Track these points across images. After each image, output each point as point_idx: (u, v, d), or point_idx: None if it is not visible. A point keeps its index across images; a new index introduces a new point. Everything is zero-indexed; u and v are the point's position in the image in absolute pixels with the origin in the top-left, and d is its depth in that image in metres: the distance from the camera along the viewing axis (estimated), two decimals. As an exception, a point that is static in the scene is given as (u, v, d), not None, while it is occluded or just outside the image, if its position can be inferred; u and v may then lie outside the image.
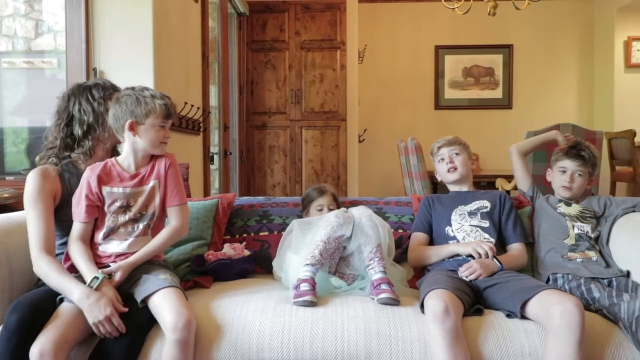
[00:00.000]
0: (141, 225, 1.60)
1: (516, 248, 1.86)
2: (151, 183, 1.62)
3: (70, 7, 2.61)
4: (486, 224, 1.87)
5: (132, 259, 1.56)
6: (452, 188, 2.03)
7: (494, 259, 1.74)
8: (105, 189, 1.58)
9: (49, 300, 1.47)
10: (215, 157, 4.15)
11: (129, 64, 2.65)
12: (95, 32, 2.63)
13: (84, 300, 1.41)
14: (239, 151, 4.91)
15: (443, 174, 2.01)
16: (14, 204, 2.23)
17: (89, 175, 1.59)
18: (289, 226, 1.89)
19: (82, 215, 1.56)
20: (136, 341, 1.46)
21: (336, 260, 1.80)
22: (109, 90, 1.72)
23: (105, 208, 1.58)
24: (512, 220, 1.89)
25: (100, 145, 1.73)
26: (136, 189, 1.60)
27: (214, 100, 4.16)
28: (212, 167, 3.99)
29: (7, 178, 2.75)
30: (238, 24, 4.85)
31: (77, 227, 1.57)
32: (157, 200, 1.63)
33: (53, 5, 3.02)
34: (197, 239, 1.99)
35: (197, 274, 1.89)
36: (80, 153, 1.68)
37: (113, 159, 1.65)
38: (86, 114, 1.68)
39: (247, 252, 2.00)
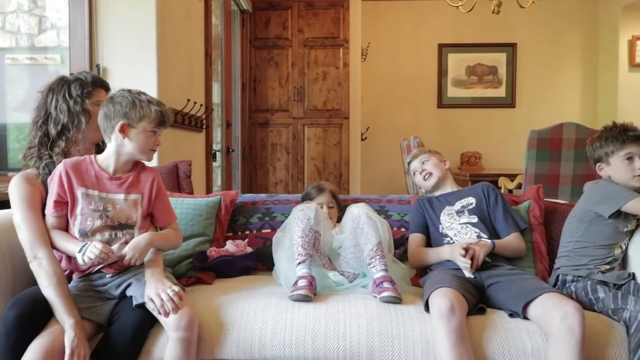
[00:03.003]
0: (120, 234, 1.55)
1: (511, 237, 1.86)
2: (133, 196, 1.57)
3: (73, 4, 2.60)
4: (475, 219, 1.88)
5: (146, 239, 1.52)
6: (436, 193, 2.06)
7: (487, 240, 1.78)
8: (80, 190, 1.52)
9: None
10: (218, 155, 4.15)
11: (132, 60, 2.65)
12: (99, 29, 2.63)
13: (76, 329, 1.37)
14: (242, 149, 4.91)
15: (422, 184, 2.09)
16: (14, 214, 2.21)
17: (61, 169, 1.52)
18: (275, 235, 1.90)
19: (50, 209, 1.52)
20: (138, 339, 1.45)
21: (322, 252, 1.81)
22: (88, 88, 1.65)
23: (78, 209, 1.52)
24: (500, 211, 1.90)
25: (74, 146, 1.66)
26: (115, 195, 1.55)
27: (216, 98, 4.16)
28: (215, 164, 3.99)
29: (9, 174, 2.75)
30: (241, 21, 4.84)
31: (50, 219, 1.53)
32: (138, 213, 1.58)
33: (56, 2, 3.01)
34: (199, 235, 1.99)
35: (199, 270, 1.89)
36: (56, 154, 1.62)
37: (92, 156, 1.59)
38: (62, 112, 1.61)
39: (249, 249, 2.00)
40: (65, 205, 1.52)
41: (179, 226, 1.73)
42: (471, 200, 1.94)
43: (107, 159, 1.57)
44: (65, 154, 1.64)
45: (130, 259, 1.49)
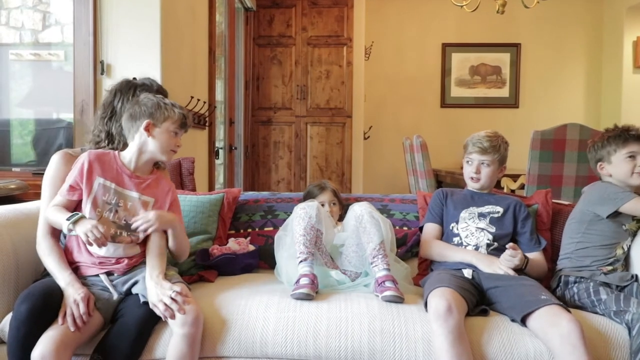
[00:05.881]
0: (125, 234, 1.58)
1: (535, 257, 1.81)
2: (147, 198, 1.62)
3: (78, 0, 2.61)
4: (492, 229, 1.83)
5: (171, 218, 1.61)
6: (471, 188, 1.98)
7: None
8: (98, 180, 1.56)
9: (60, 291, 1.46)
10: (221, 152, 4.15)
11: (137, 57, 2.65)
12: (103, 25, 2.63)
13: (69, 287, 1.45)
14: (244, 146, 4.91)
15: (466, 176, 1.96)
16: (21, 195, 2.24)
17: (85, 158, 1.57)
18: (277, 234, 1.90)
19: (63, 191, 1.56)
20: (142, 336, 1.46)
21: (323, 250, 1.81)
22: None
23: (89, 199, 1.54)
24: (529, 229, 1.86)
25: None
26: (130, 192, 1.59)
27: (220, 95, 4.16)
28: (217, 161, 3.99)
29: (13, 169, 2.76)
30: (245, 19, 4.84)
31: (58, 198, 1.56)
32: None
33: (61, -2, 3.02)
34: (202, 233, 2.00)
35: (201, 267, 1.90)
36: (113, 149, 1.69)
37: (116, 152, 1.64)
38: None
39: (251, 247, 2.00)
40: (78, 192, 1.56)
41: (188, 240, 1.75)
42: (498, 209, 1.88)
43: (129, 156, 1.62)
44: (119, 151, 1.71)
45: (146, 222, 1.55)
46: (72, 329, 1.38)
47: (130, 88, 1.73)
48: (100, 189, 1.56)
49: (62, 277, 1.48)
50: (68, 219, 1.47)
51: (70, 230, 1.47)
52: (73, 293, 1.44)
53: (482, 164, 1.90)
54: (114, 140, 1.71)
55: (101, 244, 1.46)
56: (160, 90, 1.78)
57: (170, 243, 1.63)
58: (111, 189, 1.57)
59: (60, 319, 1.39)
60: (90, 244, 1.47)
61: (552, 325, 1.42)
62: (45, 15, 3.05)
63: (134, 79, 1.80)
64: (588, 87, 5.91)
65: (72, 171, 1.57)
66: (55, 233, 1.58)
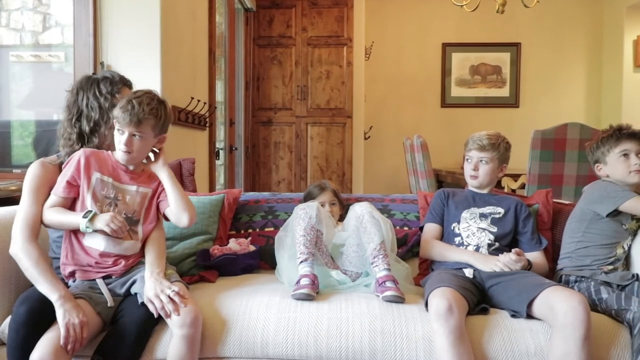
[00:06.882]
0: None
1: (536, 256, 1.82)
2: (144, 189, 1.61)
3: (78, 1, 2.61)
4: (494, 229, 1.84)
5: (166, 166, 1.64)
6: (470, 186, 1.99)
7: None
8: (96, 175, 1.55)
9: None
10: (221, 153, 4.15)
11: (137, 58, 2.65)
12: (103, 26, 2.63)
13: (64, 304, 1.39)
14: (245, 147, 4.91)
15: (466, 174, 1.97)
16: (21, 197, 2.23)
17: (81, 154, 1.56)
18: (277, 234, 1.91)
19: (59, 189, 1.53)
20: (142, 337, 1.46)
21: (324, 251, 1.81)
22: (118, 85, 1.69)
23: (89, 193, 1.53)
24: (529, 229, 1.86)
25: (105, 143, 1.69)
26: (127, 186, 1.59)
27: (220, 96, 4.16)
28: (218, 162, 3.99)
29: (14, 171, 2.76)
30: (245, 20, 4.84)
31: (53, 199, 1.54)
32: (144, 207, 1.61)
33: (61, -1, 3.02)
34: (202, 233, 2.00)
35: (202, 268, 1.90)
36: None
37: (109, 151, 1.63)
38: (93, 110, 1.66)
39: (252, 248, 2.01)
40: (75, 188, 1.54)
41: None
42: (499, 210, 1.88)
43: (118, 154, 1.61)
44: (98, 149, 1.68)
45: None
46: (72, 352, 1.36)
47: (92, 84, 1.68)
48: (98, 184, 1.55)
49: (54, 288, 1.41)
50: (85, 217, 1.46)
51: (87, 228, 1.46)
52: (72, 313, 1.37)
53: (481, 161, 1.91)
54: (89, 140, 1.66)
55: (123, 232, 1.47)
56: (123, 81, 1.72)
57: (170, 195, 1.58)
58: (109, 184, 1.57)
59: (63, 344, 1.34)
60: (117, 236, 1.47)
61: (560, 301, 1.43)
62: (45, 17, 3.05)
63: (94, 74, 1.74)
64: (588, 86, 5.90)
65: (67, 169, 1.55)
66: (37, 236, 1.53)
